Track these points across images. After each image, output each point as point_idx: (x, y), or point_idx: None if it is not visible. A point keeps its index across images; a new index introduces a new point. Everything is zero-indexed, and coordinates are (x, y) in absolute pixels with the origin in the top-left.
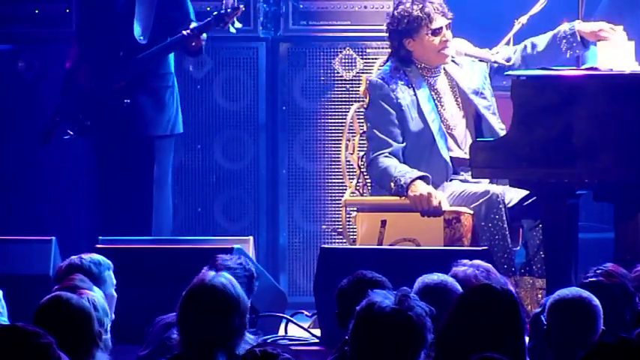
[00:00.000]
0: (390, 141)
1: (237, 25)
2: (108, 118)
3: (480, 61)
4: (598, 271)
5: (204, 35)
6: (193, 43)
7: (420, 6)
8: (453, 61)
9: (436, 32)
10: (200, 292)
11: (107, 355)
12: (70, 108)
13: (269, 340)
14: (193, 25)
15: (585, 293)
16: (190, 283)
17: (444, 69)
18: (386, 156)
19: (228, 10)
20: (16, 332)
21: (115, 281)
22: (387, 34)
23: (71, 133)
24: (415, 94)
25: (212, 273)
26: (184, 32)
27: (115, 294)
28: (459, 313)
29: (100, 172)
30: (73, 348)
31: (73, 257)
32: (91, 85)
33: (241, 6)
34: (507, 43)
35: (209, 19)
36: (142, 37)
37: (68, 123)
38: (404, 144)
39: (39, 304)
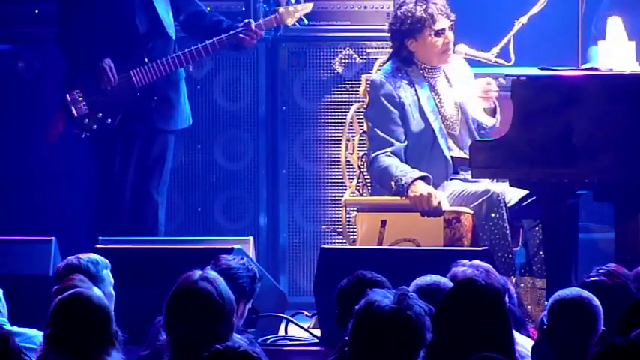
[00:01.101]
0: (392, 140)
1: (305, 21)
2: (134, 115)
3: (480, 61)
4: (600, 271)
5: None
6: (254, 40)
7: (424, 7)
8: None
9: (439, 33)
10: (184, 295)
11: (121, 355)
12: (82, 106)
13: (269, 341)
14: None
15: (585, 293)
16: (174, 286)
17: (444, 71)
18: (387, 155)
19: (298, 7)
20: None
21: (112, 280)
22: (389, 34)
23: (78, 132)
24: (417, 94)
25: (197, 274)
26: (250, 25)
27: (113, 292)
28: (444, 308)
29: (113, 168)
30: (91, 345)
31: (70, 257)
32: (117, 82)
33: (311, 3)
34: (507, 43)
35: (273, 15)
36: (172, 34)
37: (81, 123)
38: (405, 143)
39: (58, 299)
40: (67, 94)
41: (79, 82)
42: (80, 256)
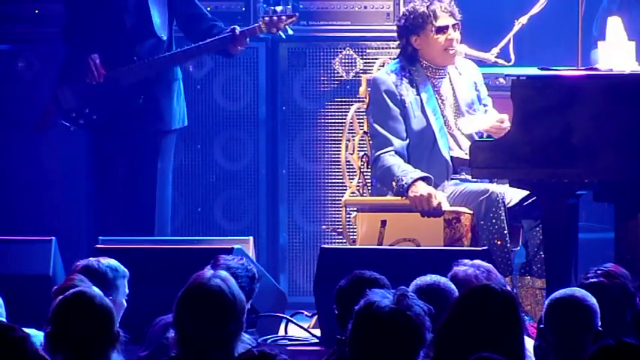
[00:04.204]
0: (394, 138)
1: (290, 31)
2: (121, 112)
3: (480, 62)
4: (599, 272)
5: (248, 39)
6: (239, 47)
7: (427, 4)
8: (456, 68)
9: (441, 30)
10: (196, 293)
11: (122, 356)
12: (71, 99)
13: (269, 341)
14: (237, 28)
15: (579, 292)
16: (186, 283)
17: (449, 75)
18: (391, 155)
19: (283, 17)
20: None
21: (127, 290)
22: (396, 32)
23: (66, 124)
24: (419, 93)
25: (209, 272)
26: (235, 32)
27: (124, 303)
28: (458, 313)
29: (105, 168)
30: (92, 345)
31: (91, 259)
32: (104, 79)
33: (296, 14)
34: (507, 43)
35: (257, 24)
36: (163, 35)
37: (69, 115)
38: (407, 141)
39: (60, 298)
40: (58, 87)
41: (71, 76)
42: (101, 259)
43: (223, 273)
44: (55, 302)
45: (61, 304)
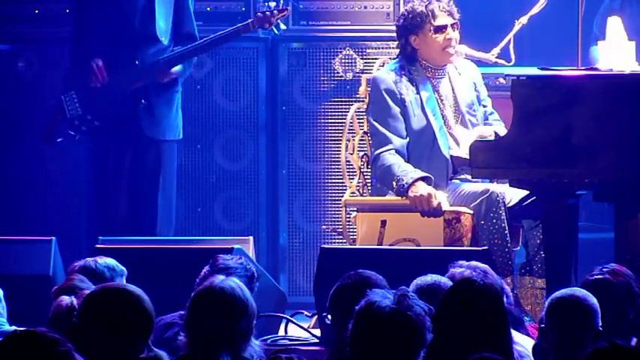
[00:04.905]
0: (394, 137)
1: (282, 26)
2: (122, 119)
3: (480, 62)
4: (604, 269)
5: None
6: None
7: (426, 3)
8: (456, 68)
9: (439, 30)
10: (209, 294)
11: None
12: (74, 108)
13: (269, 341)
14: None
15: (579, 292)
16: (199, 286)
17: (448, 75)
18: (391, 154)
19: (275, 12)
20: (35, 338)
21: None
22: (395, 32)
23: (72, 133)
24: (418, 93)
25: (221, 277)
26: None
27: None
28: (443, 307)
29: (106, 172)
30: (134, 337)
31: (88, 259)
32: (106, 84)
33: (287, 8)
34: (507, 43)
35: (251, 20)
36: (163, 38)
37: (72, 124)
38: (407, 139)
39: (101, 288)
40: (63, 95)
41: (74, 83)
42: (98, 259)
43: (236, 279)
44: (89, 293)
45: (109, 295)
